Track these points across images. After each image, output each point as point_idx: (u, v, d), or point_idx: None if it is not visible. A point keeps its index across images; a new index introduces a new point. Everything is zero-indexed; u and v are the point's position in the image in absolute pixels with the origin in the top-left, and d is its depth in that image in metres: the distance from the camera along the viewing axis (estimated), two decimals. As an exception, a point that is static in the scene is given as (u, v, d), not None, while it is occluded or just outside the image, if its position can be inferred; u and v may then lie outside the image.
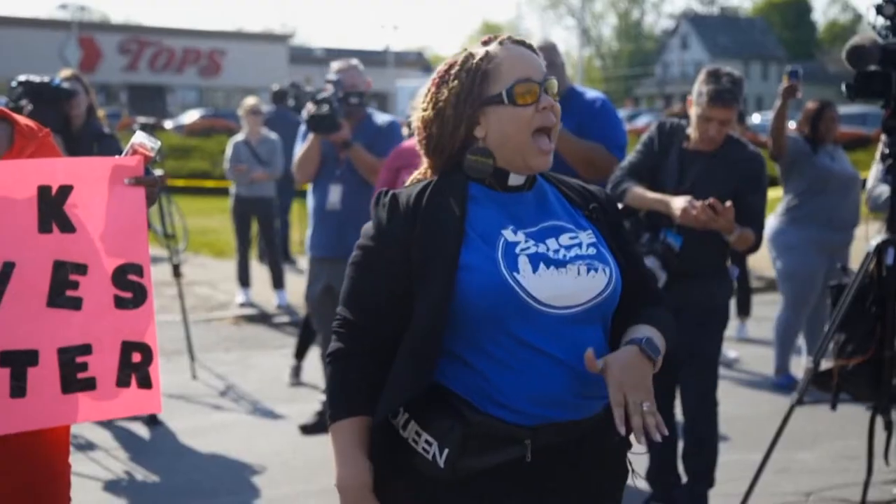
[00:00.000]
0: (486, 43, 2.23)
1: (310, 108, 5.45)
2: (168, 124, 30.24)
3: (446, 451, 2.08)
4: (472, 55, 2.20)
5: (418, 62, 55.11)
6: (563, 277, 2.10)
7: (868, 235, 4.72)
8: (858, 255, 4.75)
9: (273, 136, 9.59)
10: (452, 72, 2.19)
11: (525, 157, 2.16)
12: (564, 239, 2.16)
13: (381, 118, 5.86)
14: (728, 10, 77.27)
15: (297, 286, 9.89)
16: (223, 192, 12.20)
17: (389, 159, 5.42)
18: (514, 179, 2.20)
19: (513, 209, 2.18)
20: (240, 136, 9.69)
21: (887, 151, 4.53)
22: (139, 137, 2.33)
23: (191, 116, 33.51)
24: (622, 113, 37.24)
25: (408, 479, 2.14)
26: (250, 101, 9.80)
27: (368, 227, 2.21)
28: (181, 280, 7.22)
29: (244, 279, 9.60)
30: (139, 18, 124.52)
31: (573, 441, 2.13)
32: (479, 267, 2.08)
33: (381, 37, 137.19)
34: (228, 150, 9.63)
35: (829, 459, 5.43)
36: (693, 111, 4.43)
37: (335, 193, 5.69)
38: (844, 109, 24.64)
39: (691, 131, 4.47)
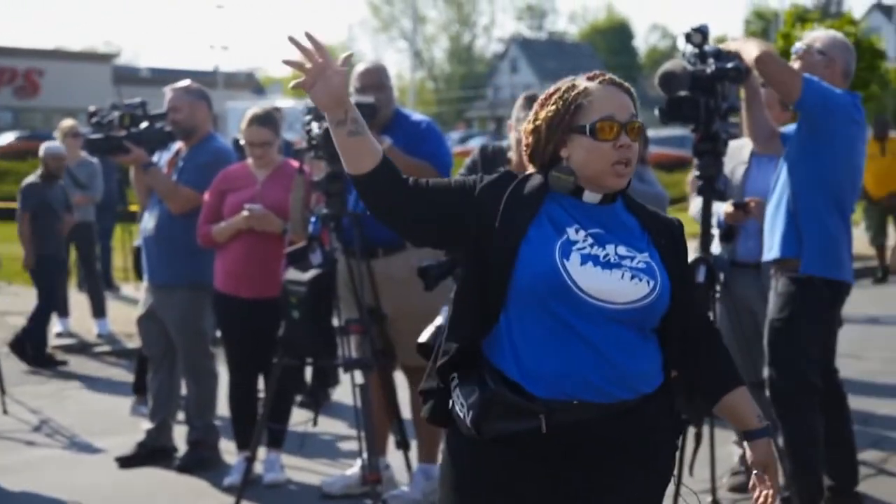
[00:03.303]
0: (590, 79, 2.52)
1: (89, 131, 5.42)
2: (-21, 147, 28.81)
3: (471, 413, 2.41)
4: (574, 86, 2.50)
5: (249, 83, 54.33)
6: (607, 276, 2.41)
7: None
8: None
9: (93, 159, 9.28)
10: (555, 96, 2.51)
11: (601, 181, 2.47)
12: (621, 250, 2.46)
13: (217, 143, 5.75)
14: (555, 34, 79.21)
15: (119, 314, 9.59)
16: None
17: (216, 182, 5.34)
18: (589, 197, 2.50)
19: (584, 215, 2.49)
20: (57, 159, 9.32)
21: (697, 174, 4.70)
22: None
23: (5, 139, 31.96)
24: (455, 135, 37.66)
25: (454, 431, 2.51)
26: (67, 122, 9.47)
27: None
28: (-8, 310, 6.87)
29: (62, 308, 9.23)
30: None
31: (601, 423, 2.39)
32: (538, 243, 2.42)
33: (211, 57, 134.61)
34: (45, 174, 9.24)
35: (649, 473, 5.56)
36: (512, 135, 4.49)
37: (152, 218, 5.58)
38: (665, 132, 25.60)
39: (512, 155, 4.54)
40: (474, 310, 2.47)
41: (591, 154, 2.45)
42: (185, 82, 5.73)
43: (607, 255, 2.44)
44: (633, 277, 2.42)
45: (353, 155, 2.47)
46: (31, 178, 8.68)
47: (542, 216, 2.47)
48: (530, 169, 2.59)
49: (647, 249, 2.50)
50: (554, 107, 2.50)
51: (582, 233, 2.46)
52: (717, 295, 4.66)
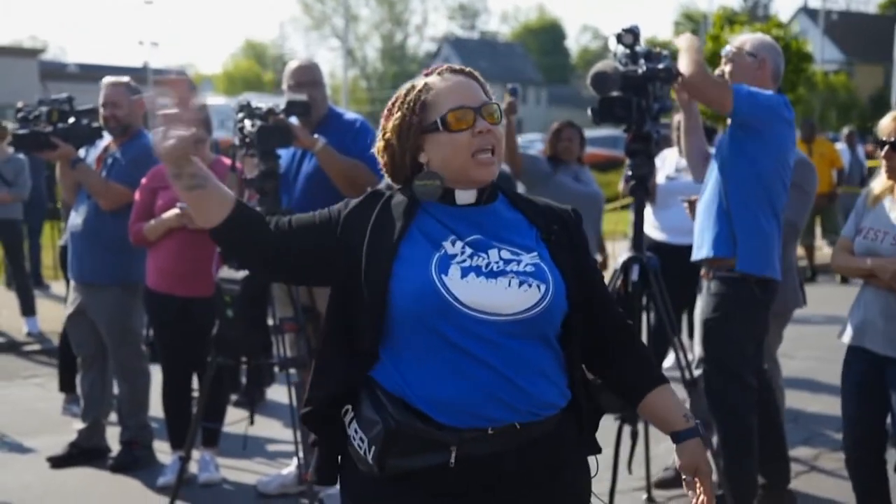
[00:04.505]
0: (427, 74, 2.35)
1: (12, 126, 5.33)
2: None
3: (374, 448, 2.16)
4: (413, 87, 2.32)
5: (180, 80, 53.58)
6: (492, 286, 2.18)
7: (616, 253, 4.94)
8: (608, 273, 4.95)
9: (20, 155, 9.10)
10: (397, 103, 2.32)
11: (467, 175, 2.26)
12: (504, 254, 2.24)
13: (148, 139, 5.67)
14: (487, 34, 79.49)
15: (49, 312, 9.43)
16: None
17: (147, 179, 5.28)
18: (462, 197, 2.29)
19: (460, 222, 2.27)
20: (-17, 156, 9.14)
21: (630, 174, 4.75)
22: None
23: (-69, 134, 31.21)
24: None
25: (351, 472, 2.26)
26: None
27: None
28: (-83, 309, 6.72)
29: (-10, 307, 9.06)
30: None
31: (514, 452, 2.18)
32: (412, 262, 2.19)
33: (140, 53, 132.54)
34: (-29, 171, 9.06)
35: (583, 469, 5.61)
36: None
37: (79, 215, 5.51)
38: (597, 132, 25.83)
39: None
40: (347, 348, 2.24)
41: (449, 149, 2.25)
42: (123, 78, 5.68)
43: (489, 263, 2.21)
44: (521, 284, 2.19)
45: (197, 209, 2.25)
46: None
47: (414, 232, 2.25)
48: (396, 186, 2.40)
49: (536, 247, 2.28)
50: (399, 113, 2.30)
51: (459, 244, 2.23)
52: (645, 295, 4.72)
